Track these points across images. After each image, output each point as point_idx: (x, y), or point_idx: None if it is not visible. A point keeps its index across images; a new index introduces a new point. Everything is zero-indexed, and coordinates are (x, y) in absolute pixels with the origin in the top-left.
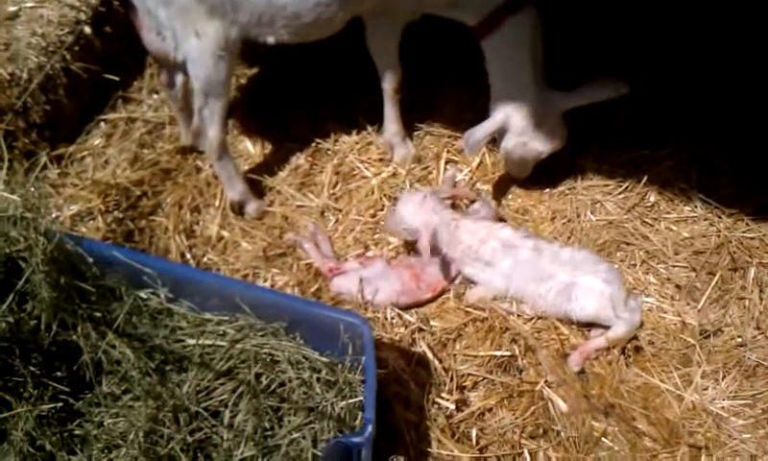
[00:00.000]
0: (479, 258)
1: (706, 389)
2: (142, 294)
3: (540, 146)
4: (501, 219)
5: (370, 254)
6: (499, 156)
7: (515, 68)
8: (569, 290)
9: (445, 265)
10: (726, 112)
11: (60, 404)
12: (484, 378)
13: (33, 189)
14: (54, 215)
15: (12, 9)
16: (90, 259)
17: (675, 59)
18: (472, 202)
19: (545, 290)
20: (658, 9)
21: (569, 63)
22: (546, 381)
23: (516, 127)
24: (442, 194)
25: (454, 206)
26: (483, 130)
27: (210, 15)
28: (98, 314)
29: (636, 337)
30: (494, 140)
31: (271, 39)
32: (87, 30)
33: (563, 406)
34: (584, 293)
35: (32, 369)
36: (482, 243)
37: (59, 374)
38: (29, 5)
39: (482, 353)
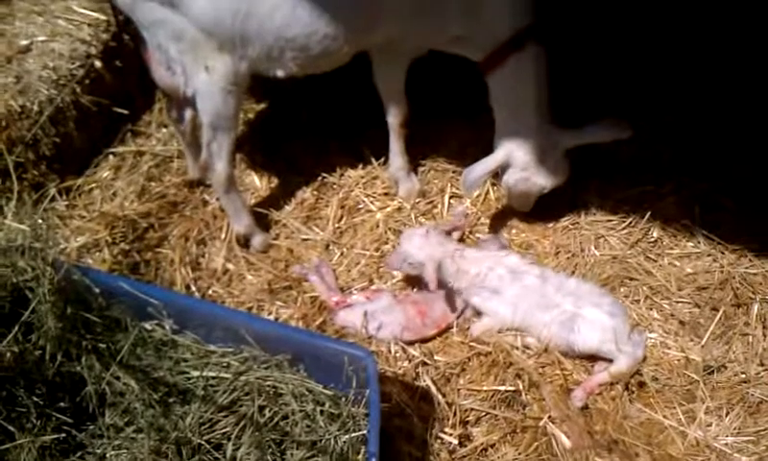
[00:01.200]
0: (486, 286)
1: (709, 425)
2: (147, 325)
3: (542, 181)
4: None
5: (374, 287)
6: (503, 190)
7: (519, 104)
8: (573, 321)
9: (450, 299)
10: (728, 148)
11: (63, 435)
12: (487, 413)
13: (41, 220)
14: (61, 246)
15: (24, 42)
16: (96, 290)
17: (678, 96)
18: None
19: (550, 318)
20: (660, 46)
21: (573, 100)
22: (550, 417)
23: (519, 162)
24: (443, 227)
25: (462, 240)
26: (483, 167)
27: (220, 50)
28: (102, 345)
29: (639, 373)
30: (497, 174)
31: (280, 73)
32: (98, 64)
33: (566, 442)
34: (587, 325)
35: (35, 399)
36: (489, 270)
37: (62, 404)
38: (41, 39)
39: (485, 388)
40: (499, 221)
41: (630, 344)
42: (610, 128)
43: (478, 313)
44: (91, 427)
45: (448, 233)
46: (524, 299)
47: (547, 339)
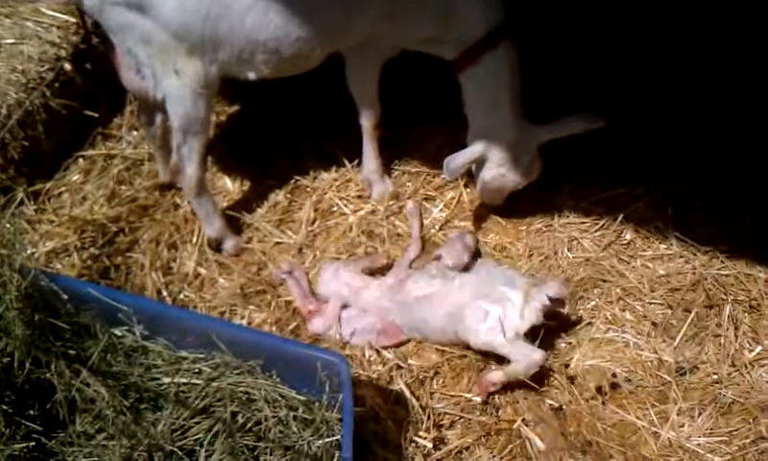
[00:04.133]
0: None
1: (682, 426)
2: (117, 331)
3: (517, 177)
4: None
5: None
6: (476, 192)
7: (493, 101)
8: (460, 311)
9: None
10: (701, 151)
11: (33, 444)
12: (461, 417)
13: (8, 225)
14: (30, 251)
15: None
16: (65, 296)
17: (650, 96)
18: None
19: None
20: (633, 48)
21: (544, 102)
22: (524, 420)
23: (495, 158)
24: (360, 263)
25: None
26: (464, 156)
27: (190, 53)
28: (72, 352)
29: (613, 374)
30: (471, 174)
31: (252, 75)
32: (68, 67)
33: (540, 445)
34: (471, 315)
35: (4, 407)
36: (385, 307)
37: (31, 412)
38: (9, 41)
39: (459, 392)
40: (472, 223)
41: (524, 346)
42: (582, 119)
43: None
44: (62, 435)
45: (368, 270)
46: (430, 321)
47: (439, 337)
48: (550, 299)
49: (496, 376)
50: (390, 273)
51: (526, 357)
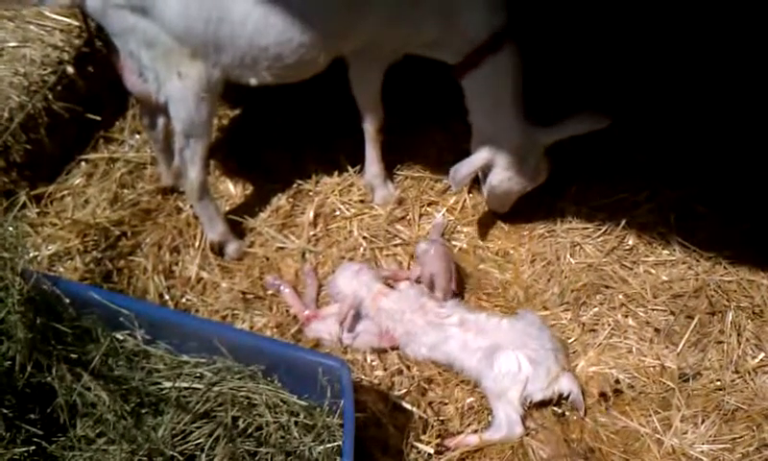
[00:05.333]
0: (411, 335)
1: (685, 433)
2: (119, 335)
3: (525, 181)
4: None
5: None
6: (479, 198)
7: (496, 105)
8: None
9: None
10: (704, 156)
11: (34, 448)
12: (463, 423)
13: (11, 229)
14: (32, 255)
15: None
16: (67, 300)
17: (653, 101)
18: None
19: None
20: (635, 53)
21: (546, 103)
22: (526, 426)
23: (502, 163)
24: (384, 272)
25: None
26: (469, 165)
27: (193, 57)
28: (74, 356)
29: (616, 381)
30: (477, 179)
31: (253, 81)
32: (70, 70)
33: (543, 452)
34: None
35: (4, 411)
36: (408, 320)
37: (32, 416)
38: (12, 44)
39: (461, 398)
40: (476, 229)
41: (516, 413)
42: (586, 120)
43: None
44: (62, 439)
45: (387, 278)
46: (445, 345)
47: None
48: (570, 396)
49: (472, 440)
50: (410, 289)
51: (510, 428)
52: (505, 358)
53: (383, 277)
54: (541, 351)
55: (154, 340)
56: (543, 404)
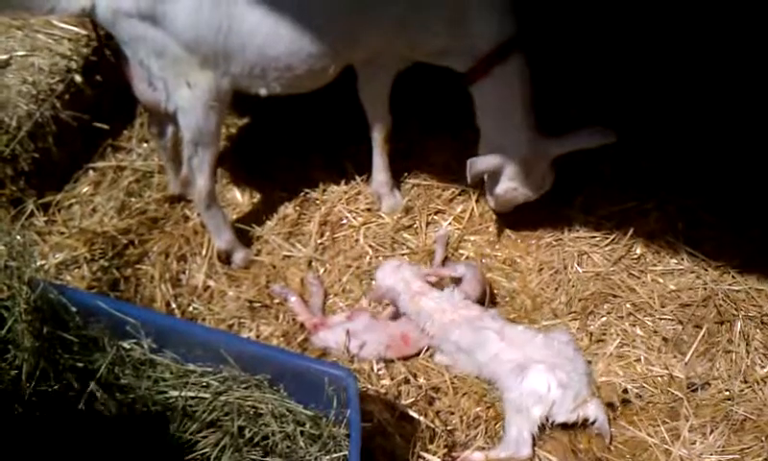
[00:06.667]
0: (449, 340)
1: (693, 443)
2: (125, 344)
3: (529, 191)
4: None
5: (356, 307)
6: (487, 207)
7: (505, 114)
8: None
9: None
10: (712, 165)
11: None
12: (470, 434)
13: (18, 237)
14: (39, 263)
15: (4, 57)
16: (73, 309)
17: (661, 110)
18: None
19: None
20: (642, 62)
21: (553, 113)
22: (533, 436)
23: (508, 172)
24: (427, 272)
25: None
26: (484, 162)
27: (202, 66)
28: (80, 364)
29: (624, 390)
30: (482, 187)
31: (263, 91)
32: (78, 78)
33: None
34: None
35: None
36: (449, 322)
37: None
38: (20, 53)
39: (469, 407)
40: (483, 238)
41: (527, 432)
42: (594, 134)
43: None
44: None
45: (430, 277)
46: (480, 351)
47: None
48: (595, 422)
49: (477, 458)
50: (452, 293)
51: (517, 447)
52: (535, 376)
53: (424, 274)
54: (574, 375)
55: (160, 349)
56: (565, 426)
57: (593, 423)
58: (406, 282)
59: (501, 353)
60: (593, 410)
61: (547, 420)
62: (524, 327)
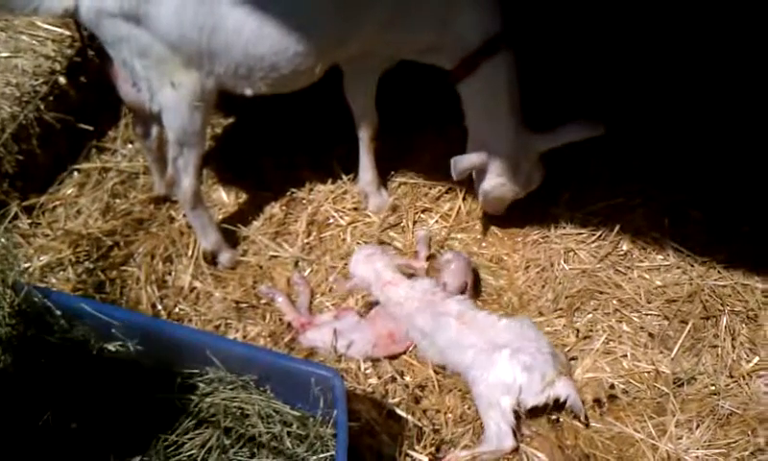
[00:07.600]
0: (415, 326)
1: (680, 438)
2: (110, 346)
3: (518, 187)
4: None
5: (343, 306)
6: (474, 204)
7: (492, 110)
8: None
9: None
10: (697, 161)
11: None
12: (457, 432)
13: (2, 240)
14: (24, 266)
15: None
16: (58, 312)
17: (647, 106)
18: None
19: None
20: (629, 58)
21: (541, 109)
22: (521, 433)
23: (495, 168)
24: (396, 260)
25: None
26: (469, 160)
27: (187, 66)
28: (64, 367)
29: (611, 386)
30: (472, 185)
31: (248, 91)
32: (62, 80)
33: (537, 458)
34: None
35: None
36: (415, 310)
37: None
38: (4, 55)
39: (455, 405)
40: (470, 235)
41: (507, 424)
42: (582, 127)
43: None
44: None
45: (405, 266)
46: (441, 337)
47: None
48: (567, 400)
49: (463, 455)
50: (423, 282)
51: (499, 440)
52: (499, 366)
53: (398, 265)
54: (538, 355)
55: (146, 351)
56: (539, 411)
57: (565, 402)
58: (377, 273)
59: (461, 338)
60: (562, 388)
61: (519, 406)
62: (486, 311)
